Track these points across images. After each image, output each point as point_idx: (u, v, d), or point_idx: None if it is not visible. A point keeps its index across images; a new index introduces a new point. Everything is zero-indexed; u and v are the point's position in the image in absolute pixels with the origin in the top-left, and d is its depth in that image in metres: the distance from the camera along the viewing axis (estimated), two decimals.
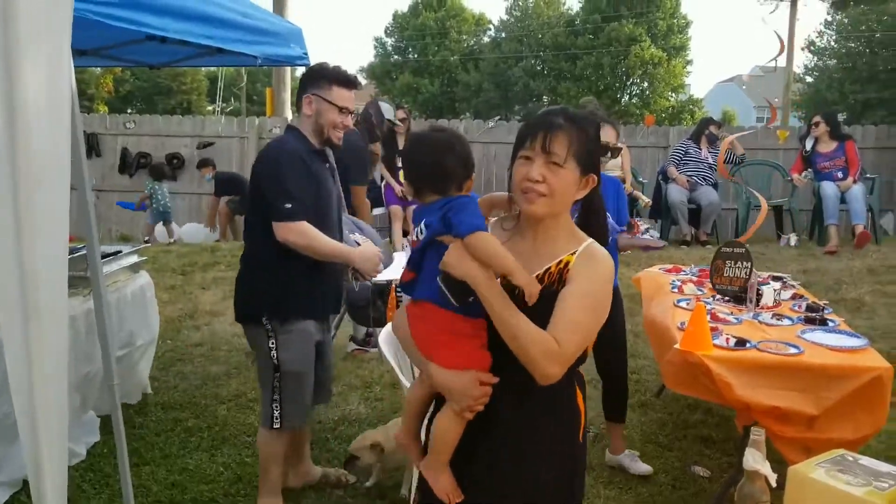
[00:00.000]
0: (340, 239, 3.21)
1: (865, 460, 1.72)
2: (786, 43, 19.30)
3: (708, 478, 3.73)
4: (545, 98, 35.95)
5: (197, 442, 4.02)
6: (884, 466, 1.68)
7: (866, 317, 5.85)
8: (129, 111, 33.30)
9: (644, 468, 3.78)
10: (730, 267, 3.76)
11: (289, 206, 2.87)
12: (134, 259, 4.25)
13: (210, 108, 36.43)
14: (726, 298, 3.95)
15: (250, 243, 3.16)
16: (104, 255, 3.89)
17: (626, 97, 35.72)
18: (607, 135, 3.60)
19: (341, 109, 3.06)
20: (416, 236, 1.82)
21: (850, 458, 1.72)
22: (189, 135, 10.77)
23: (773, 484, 1.67)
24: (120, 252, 4.09)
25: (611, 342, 3.79)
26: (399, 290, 1.96)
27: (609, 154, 3.69)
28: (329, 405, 4.46)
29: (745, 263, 3.76)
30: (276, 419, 3.06)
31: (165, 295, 6.61)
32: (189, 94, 38.04)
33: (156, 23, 3.08)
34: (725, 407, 3.73)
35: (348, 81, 3.10)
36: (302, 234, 2.91)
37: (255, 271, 3.09)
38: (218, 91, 21.32)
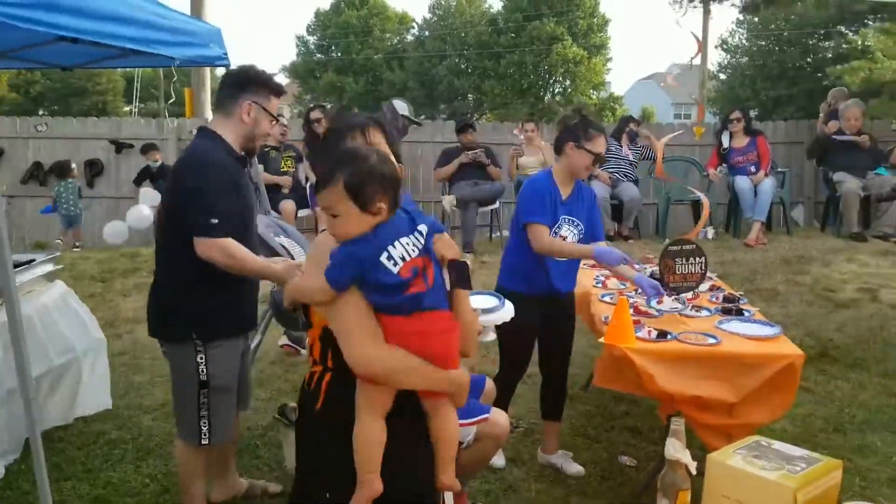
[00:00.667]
0: (256, 250, 3.11)
1: (779, 445, 1.80)
2: (701, 42, 19.93)
3: (635, 467, 3.84)
4: (470, 96, 36.23)
5: (121, 454, 3.91)
6: (796, 451, 1.77)
7: (780, 305, 6.11)
8: (40, 113, 31.98)
9: (576, 468, 3.83)
10: (681, 264, 3.82)
11: (214, 221, 2.75)
12: (49, 268, 4.10)
13: (127, 108, 35.31)
14: (680, 296, 4.00)
15: (169, 255, 2.99)
16: (16, 265, 3.75)
17: (549, 95, 36.31)
18: (600, 144, 3.67)
19: (275, 119, 3.04)
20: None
21: (765, 444, 1.80)
22: (106, 137, 10.40)
23: (694, 471, 1.73)
24: (33, 261, 3.94)
25: (557, 341, 3.90)
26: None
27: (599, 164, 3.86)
28: (258, 411, 4.40)
29: (697, 259, 3.84)
30: (205, 435, 2.99)
31: (84, 304, 6.38)
32: (104, 94, 36.82)
33: (67, 23, 2.95)
34: (650, 398, 3.84)
35: (281, 91, 3.07)
36: (226, 251, 2.79)
37: (180, 285, 2.95)
38: (135, 91, 20.69)
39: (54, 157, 10.08)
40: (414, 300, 1.89)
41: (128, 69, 33.49)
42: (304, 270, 2.04)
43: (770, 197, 7.82)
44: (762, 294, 6.27)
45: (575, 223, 3.75)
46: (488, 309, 3.11)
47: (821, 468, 1.69)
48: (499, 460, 3.85)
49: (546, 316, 3.78)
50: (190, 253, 2.81)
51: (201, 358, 2.93)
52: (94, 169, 10.31)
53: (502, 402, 3.86)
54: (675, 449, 1.73)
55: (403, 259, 1.85)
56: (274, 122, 3.05)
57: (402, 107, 5.85)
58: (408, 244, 1.88)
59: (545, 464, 3.91)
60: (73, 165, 9.78)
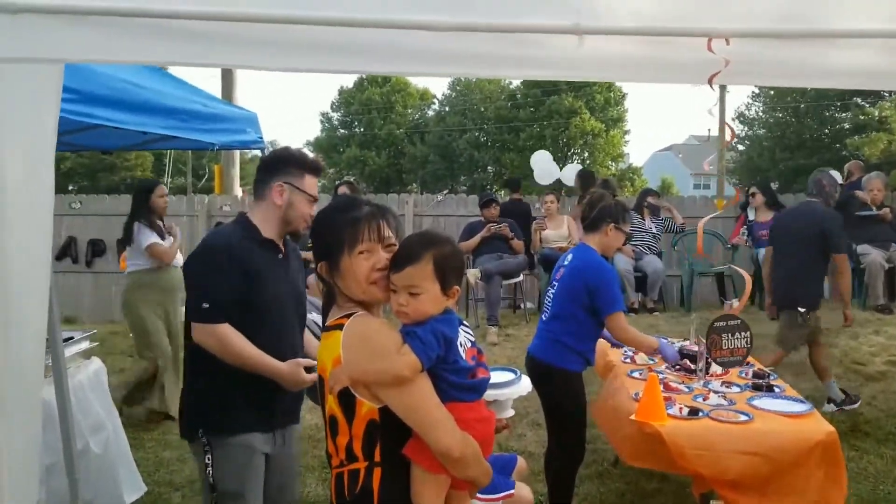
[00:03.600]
0: (301, 339, 2.93)
1: None
2: (717, 116, 20.23)
3: None
4: (490, 168, 36.69)
5: None
6: None
7: (809, 380, 6.04)
8: (70, 188, 32.78)
9: None
10: (727, 339, 3.88)
11: (205, 305, 2.61)
12: (86, 345, 4.19)
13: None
14: (673, 364, 4.06)
15: (189, 345, 2.78)
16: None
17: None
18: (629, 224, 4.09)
19: (313, 199, 2.83)
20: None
21: None
22: None
23: None
24: (72, 338, 4.04)
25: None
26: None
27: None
28: None
29: (743, 334, 3.90)
30: None
31: (114, 379, 6.46)
32: (133, 170, 37.70)
33: (110, 115, 3.14)
34: (682, 475, 3.81)
35: (318, 169, 2.91)
36: (218, 337, 2.61)
37: (192, 377, 2.79)
38: (167, 170, 21.21)
39: (88, 234, 10.34)
40: (483, 384, 1.97)
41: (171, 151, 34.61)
42: (349, 356, 1.85)
43: None
44: (791, 368, 6.21)
45: None
46: (505, 382, 3.12)
47: None
48: None
49: None
50: (196, 345, 2.68)
51: (208, 459, 2.69)
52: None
53: (566, 495, 3.91)
54: None
55: (464, 346, 1.92)
56: (313, 202, 2.83)
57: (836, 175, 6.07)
58: (464, 333, 1.95)
59: None
60: None
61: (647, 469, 4.57)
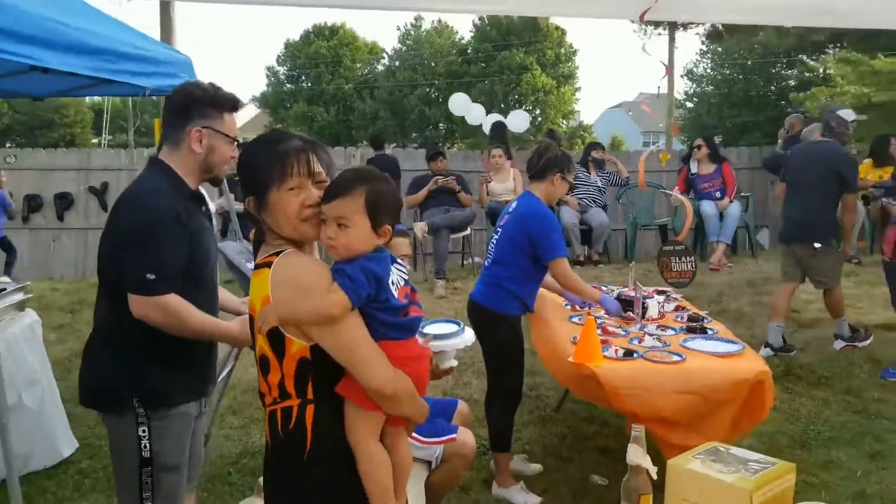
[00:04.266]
0: (215, 299, 2.72)
1: (736, 450, 1.86)
2: (670, 68, 20.35)
3: (606, 486, 3.89)
4: (442, 125, 36.48)
5: (92, 484, 3.88)
6: (753, 455, 1.83)
7: (746, 326, 6.23)
8: (7, 145, 31.65)
9: (535, 467, 4.06)
10: (675, 262, 4.03)
11: (151, 276, 2.36)
12: (19, 296, 4.08)
13: (95, 140, 35.04)
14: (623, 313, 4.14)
15: (109, 309, 2.52)
16: None
17: None
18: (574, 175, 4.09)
19: (234, 141, 2.59)
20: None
21: (723, 450, 1.87)
22: (75, 168, 10.37)
23: (654, 476, 1.79)
24: (4, 289, 3.93)
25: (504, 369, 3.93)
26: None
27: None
28: (230, 438, 4.40)
29: (689, 258, 4.06)
30: None
31: (53, 335, 6.33)
32: (73, 126, 36.52)
33: (39, 54, 3.01)
34: (621, 417, 3.91)
35: (237, 106, 2.64)
36: (166, 310, 2.39)
37: (121, 343, 2.49)
38: (104, 123, 20.50)
39: (23, 190, 10.02)
40: (415, 323, 1.94)
41: (96, 100, 33.42)
42: (278, 295, 1.79)
43: (735, 221, 8.01)
44: (728, 315, 6.39)
45: None
46: (449, 334, 3.14)
47: (776, 471, 1.75)
48: (531, 498, 3.85)
49: None
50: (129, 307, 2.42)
51: (144, 431, 2.46)
52: (64, 202, 10.25)
53: (506, 437, 3.94)
54: (636, 455, 1.79)
55: (397, 285, 1.89)
56: (235, 144, 2.59)
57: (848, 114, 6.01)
58: (397, 271, 1.92)
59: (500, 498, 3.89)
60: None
61: (588, 414, 4.70)
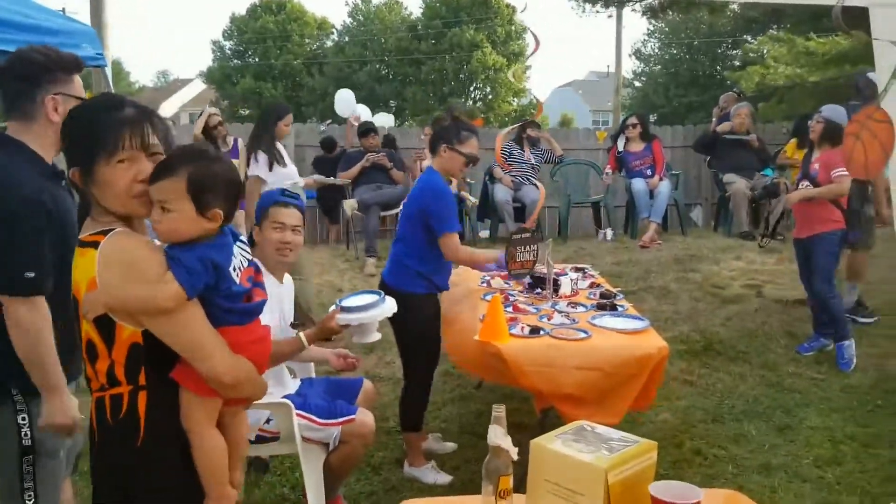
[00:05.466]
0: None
1: (602, 429, 1.85)
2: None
3: (517, 461, 3.89)
4: (392, 102, 36.20)
5: None
6: (617, 434, 1.82)
7: (671, 302, 6.30)
8: None
9: (449, 446, 4.04)
10: (521, 252, 3.98)
11: (31, 274, 2.20)
12: None
13: None
14: (536, 291, 4.14)
15: None
16: None
17: (471, 102, 36.57)
18: (472, 146, 3.84)
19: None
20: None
21: (589, 428, 1.85)
22: None
23: (515, 457, 1.77)
24: None
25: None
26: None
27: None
28: None
29: (532, 246, 4.00)
30: None
31: None
32: None
33: None
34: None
35: (80, 65, 2.47)
36: (42, 314, 2.24)
37: None
38: None
39: None
40: (258, 308, 1.86)
41: None
42: (106, 279, 1.67)
43: (665, 199, 8.09)
44: (654, 292, 6.46)
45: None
46: (368, 305, 3.04)
47: (636, 450, 1.74)
48: (441, 477, 3.82)
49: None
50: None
51: (24, 418, 2.36)
52: None
53: (418, 418, 3.89)
54: (497, 436, 1.77)
55: (238, 269, 1.80)
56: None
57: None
58: (238, 254, 1.82)
59: (410, 477, 3.87)
60: None
61: (508, 391, 4.70)
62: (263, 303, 1.86)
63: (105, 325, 1.71)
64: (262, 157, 5.35)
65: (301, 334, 3.01)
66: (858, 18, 2.77)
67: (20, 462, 2.38)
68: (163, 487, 1.77)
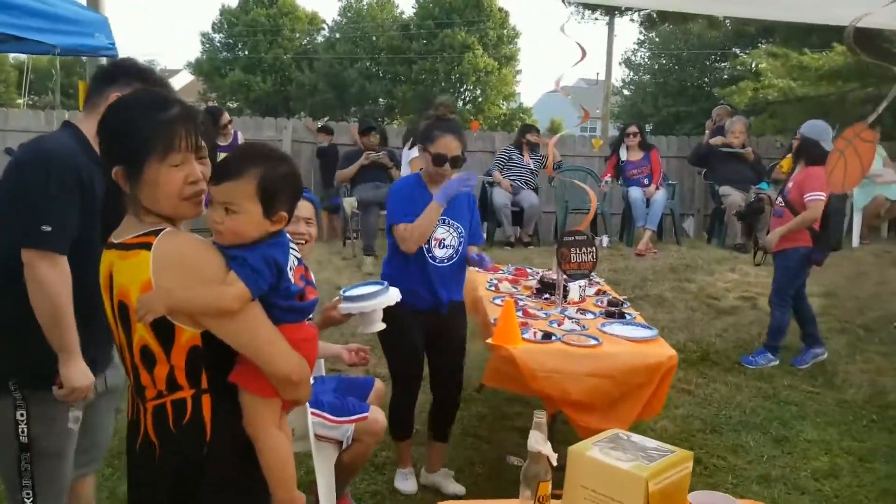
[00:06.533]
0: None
1: (637, 438, 1.87)
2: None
3: (520, 466, 3.91)
4: (382, 100, 36.15)
5: None
6: (651, 443, 1.84)
7: (667, 311, 6.36)
8: None
9: (455, 488, 3.74)
10: (575, 253, 3.99)
11: (47, 228, 2.20)
12: None
13: (20, 101, 33.53)
14: (544, 296, 4.16)
15: None
16: None
17: (461, 103, 36.62)
18: (444, 145, 3.47)
19: None
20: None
21: (624, 437, 1.87)
22: None
23: (555, 463, 1.78)
24: None
25: (446, 360, 3.71)
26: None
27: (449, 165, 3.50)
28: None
29: (589, 248, 4.00)
30: None
31: None
32: None
33: None
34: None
35: (163, 83, 2.50)
36: (60, 272, 2.23)
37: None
38: (24, 82, 19.58)
39: None
40: (312, 306, 1.85)
41: (21, 59, 31.96)
42: (164, 280, 1.62)
43: (661, 208, 8.16)
44: (650, 300, 6.51)
45: (454, 225, 3.59)
46: (371, 294, 3.01)
47: (672, 459, 1.76)
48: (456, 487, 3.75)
49: (431, 332, 3.63)
50: (9, 274, 2.24)
51: (21, 415, 2.32)
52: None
53: (401, 429, 3.71)
54: (537, 441, 1.78)
55: (292, 267, 1.79)
56: None
57: None
58: (291, 252, 1.81)
59: (427, 484, 3.80)
60: None
61: (510, 395, 4.72)
62: (316, 301, 1.86)
63: (163, 328, 1.65)
64: None
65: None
66: (865, 39, 2.81)
67: (18, 460, 2.34)
68: (231, 492, 1.75)
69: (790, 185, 5.33)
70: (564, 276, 3.99)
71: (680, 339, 5.76)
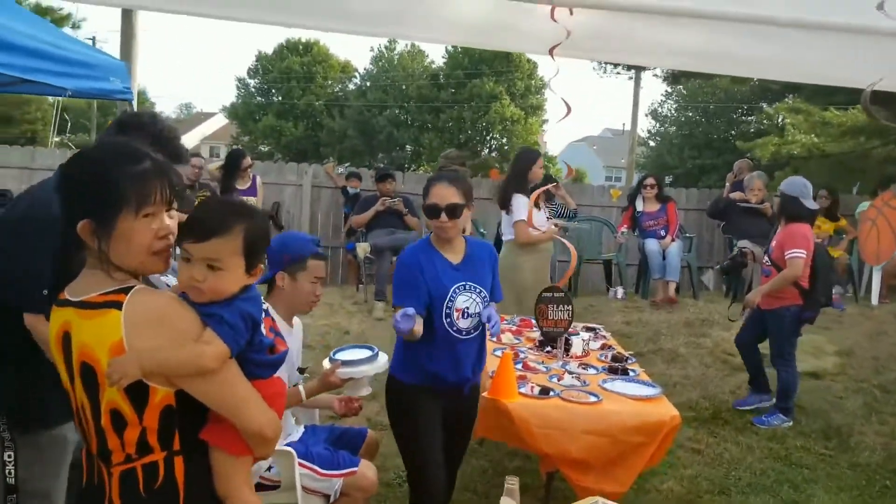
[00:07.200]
0: None
1: None
2: (630, 108, 20.63)
3: None
4: (409, 147, 36.54)
5: None
6: None
7: (680, 367, 6.23)
8: None
9: None
10: (552, 310, 3.95)
11: (46, 292, 2.11)
12: None
13: (58, 139, 34.38)
14: (546, 349, 4.10)
15: None
16: None
17: (486, 150, 36.90)
18: (435, 195, 3.09)
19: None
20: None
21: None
22: (17, 166, 10.09)
23: None
24: None
25: (453, 442, 3.30)
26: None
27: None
28: None
29: (565, 306, 3.96)
30: None
31: None
32: (34, 123, 35.78)
33: None
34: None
35: (180, 156, 2.48)
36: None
37: None
38: (52, 120, 20.08)
39: None
40: (282, 359, 1.83)
41: (60, 98, 32.90)
42: (138, 342, 1.57)
43: (677, 259, 8.08)
44: (663, 355, 6.40)
45: (476, 290, 3.12)
46: (360, 360, 3.05)
47: None
48: None
49: (448, 413, 3.20)
50: (7, 317, 2.22)
51: (10, 456, 2.29)
52: (3, 199, 9.94)
53: None
54: None
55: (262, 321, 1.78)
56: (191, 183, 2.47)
57: None
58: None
59: None
60: None
61: (512, 449, 4.62)
62: (286, 353, 1.83)
63: (136, 389, 1.59)
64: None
65: (301, 387, 2.98)
66: (884, 101, 2.79)
67: (4, 500, 2.31)
68: None
69: (773, 243, 5.32)
70: (542, 332, 3.96)
71: (692, 396, 5.63)
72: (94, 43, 32.17)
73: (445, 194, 3.06)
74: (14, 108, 34.16)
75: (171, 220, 1.68)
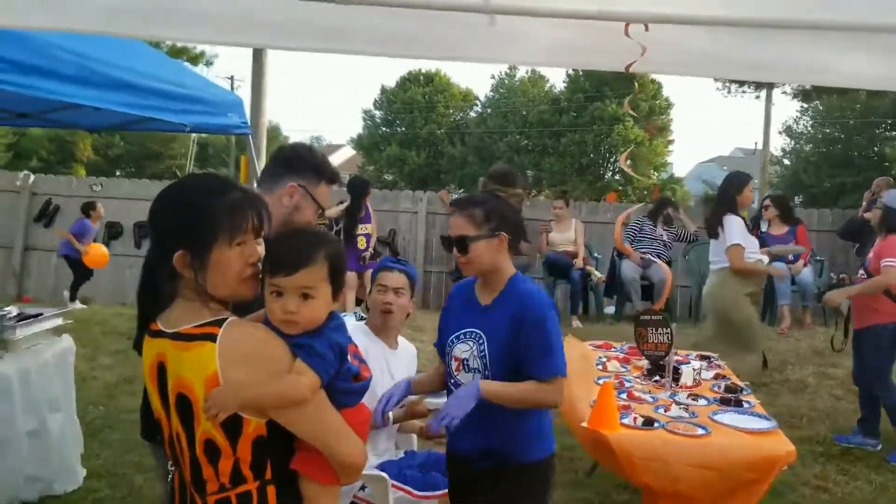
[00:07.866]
0: None
1: None
2: (762, 126, 19.82)
3: None
4: (529, 172, 36.54)
5: None
6: None
7: (808, 398, 5.85)
8: (117, 174, 33.58)
9: None
10: (652, 333, 3.83)
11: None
12: (57, 322, 4.20)
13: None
14: (654, 378, 3.94)
15: None
16: (24, 318, 3.90)
17: (610, 174, 36.35)
18: (453, 225, 2.61)
19: (320, 211, 2.50)
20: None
21: None
22: None
23: None
24: (41, 314, 4.06)
25: None
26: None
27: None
28: None
29: (664, 329, 3.83)
30: None
31: (108, 359, 6.52)
32: (178, 158, 38.45)
33: (74, 92, 3.13)
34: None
35: (335, 180, 2.53)
36: None
37: None
38: (189, 156, 21.45)
39: (105, 217, 10.48)
40: (366, 386, 1.83)
41: (202, 136, 35.16)
42: (233, 375, 1.60)
43: (809, 286, 7.61)
44: (790, 385, 6.03)
45: (476, 337, 2.55)
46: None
47: None
48: None
49: (454, 489, 2.79)
50: None
51: None
52: (142, 230, 10.67)
53: None
54: None
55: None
56: (320, 213, 2.50)
57: None
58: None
59: None
60: None
61: (620, 481, 4.46)
62: (370, 380, 1.83)
63: (230, 421, 1.62)
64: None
65: (390, 413, 2.96)
66: None
67: None
68: None
69: (870, 255, 4.95)
70: (644, 356, 3.80)
71: (820, 430, 5.26)
72: (231, 82, 34.29)
73: (455, 224, 2.60)
74: (161, 145, 36.91)
75: (259, 247, 1.74)
